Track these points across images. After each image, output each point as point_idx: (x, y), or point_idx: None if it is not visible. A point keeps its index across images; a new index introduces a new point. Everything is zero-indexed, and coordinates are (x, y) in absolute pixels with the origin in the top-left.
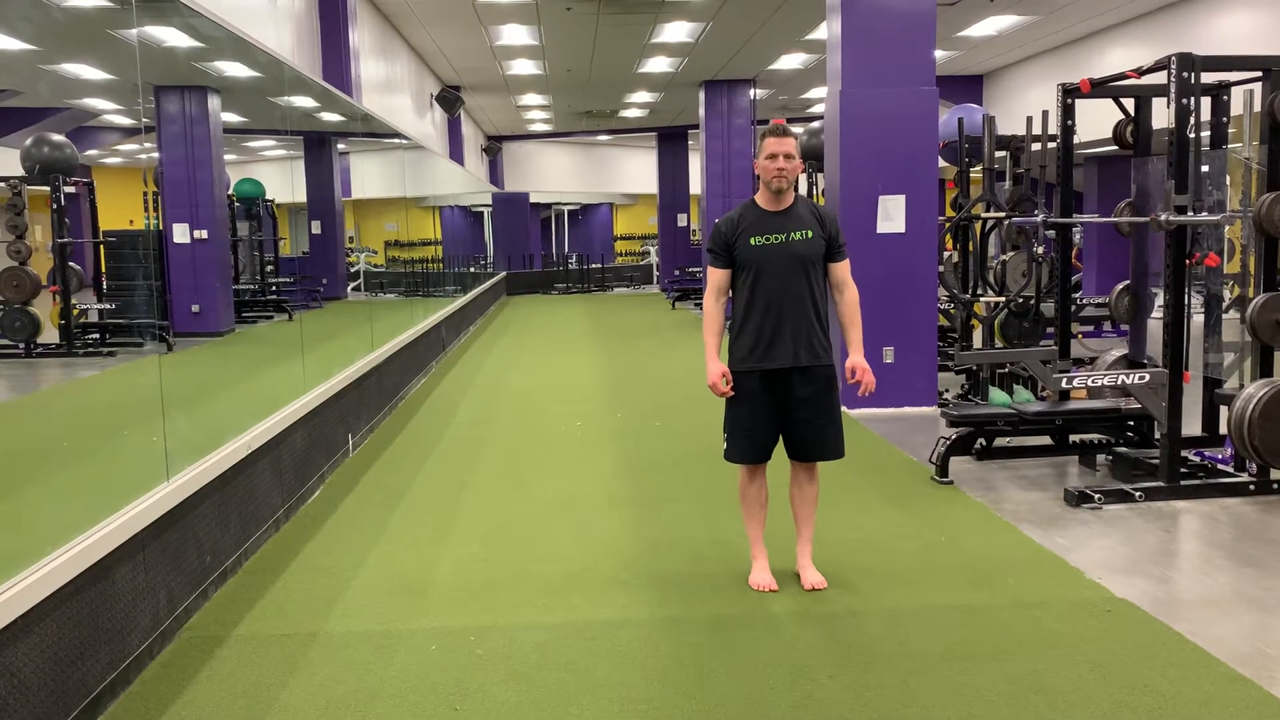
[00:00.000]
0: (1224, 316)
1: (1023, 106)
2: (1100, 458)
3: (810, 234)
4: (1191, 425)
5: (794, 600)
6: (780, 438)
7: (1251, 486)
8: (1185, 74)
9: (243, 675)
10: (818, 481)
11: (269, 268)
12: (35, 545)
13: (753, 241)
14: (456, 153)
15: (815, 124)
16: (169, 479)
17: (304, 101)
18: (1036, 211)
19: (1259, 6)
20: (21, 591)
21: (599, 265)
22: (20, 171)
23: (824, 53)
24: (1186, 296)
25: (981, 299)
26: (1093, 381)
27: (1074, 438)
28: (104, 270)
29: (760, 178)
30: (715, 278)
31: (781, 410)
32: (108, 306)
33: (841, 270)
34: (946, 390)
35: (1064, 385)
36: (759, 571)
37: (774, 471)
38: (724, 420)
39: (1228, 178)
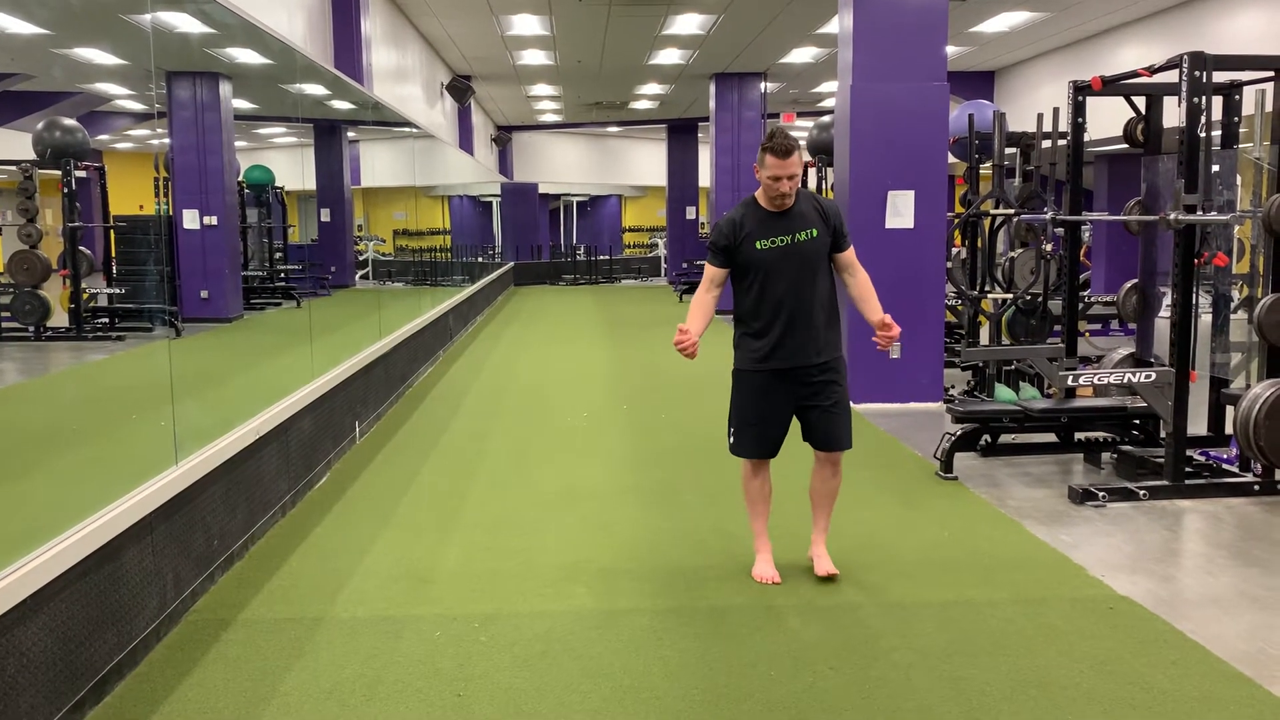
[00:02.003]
0: (1232, 316)
1: (1034, 103)
2: (1105, 456)
3: (815, 232)
4: (1197, 425)
5: (797, 592)
6: (785, 436)
7: (1256, 487)
8: (1197, 73)
9: (249, 659)
10: (840, 475)
11: (278, 255)
12: (44, 527)
13: (759, 246)
14: (466, 142)
15: (825, 118)
16: (177, 463)
17: (315, 89)
18: (1046, 209)
19: (1272, 6)
20: (30, 572)
21: (607, 257)
22: (32, 155)
23: (835, 47)
24: (1194, 296)
25: (989, 295)
26: (1099, 379)
27: (1079, 435)
28: (114, 255)
29: (762, 187)
30: (712, 273)
31: (794, 401)
32: (117, 291)
33: (848, 256)
34: (953, 386)
35: (1070, 383)
36: (762, 564)
37: (777, 464)
38: (729, 413)
39: (1238, 177)
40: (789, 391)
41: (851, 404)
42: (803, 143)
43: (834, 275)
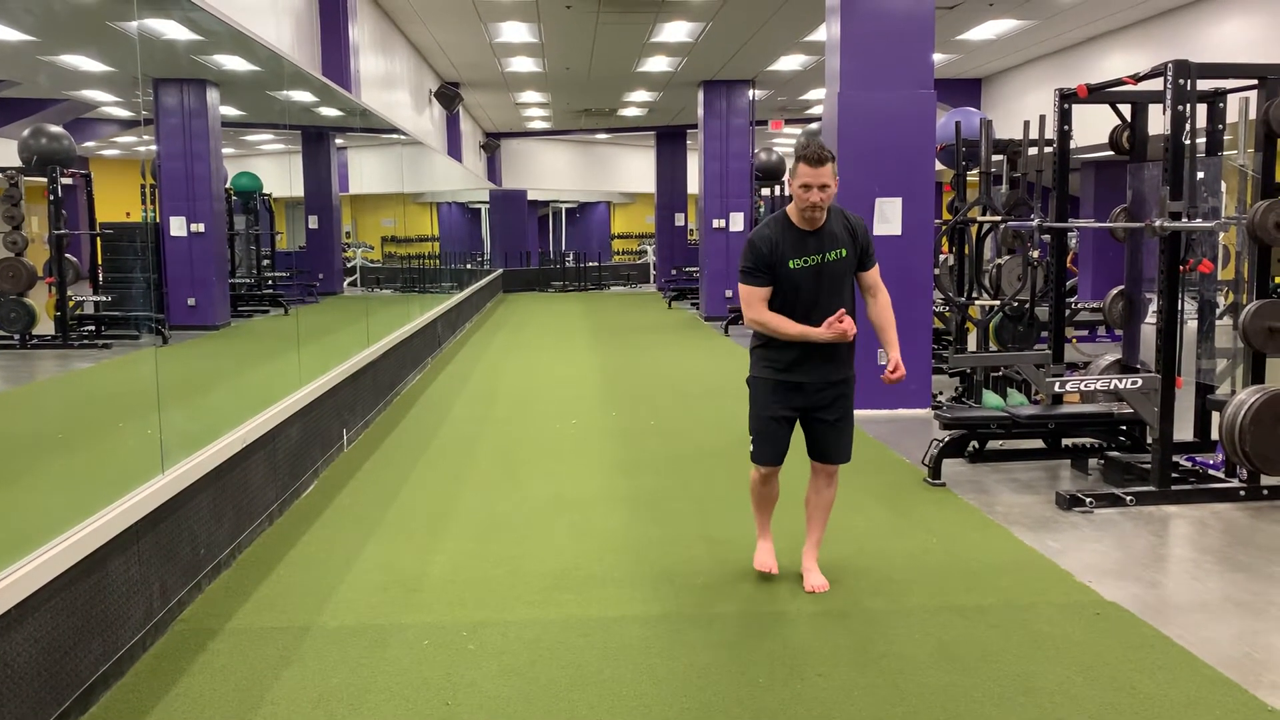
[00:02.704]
0: (1217, 323)
1: (1020, 111)
2: (1092, 462)
3: (844, 252)
4: (1183, 430)
5: (786, 599)
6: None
7: (1242, 492)
8: (1181, 81)
9: (236, 668)
10: (836, 487)
11: (265, 262)
12: (29, 537)
13: (791, 265)
14: (455, 149)
15: (813, 125)
16: (164, 472)
17: (303, 96)
18: (1032, 215)
19: (1256, 15)
20: (15, 582)
21: (596, 264)
22: (17, 162)
23: (823, 54)
24: (1180, 302)
25: (976, 302)
26: (1086, 385)
27: (1066, 441)
28: (100, 262)
29: (794, 200)
30: (762, 293)
31: (801, 409)
32: (104, 299)
33: (873, 275)
34: (940, 393)
35: (1057, 389)
36: (763, 553)
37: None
38: (749, 422)
39: (1223, 184)
40: (799, 400)
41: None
42: (789, 150)
43: (856, 293)
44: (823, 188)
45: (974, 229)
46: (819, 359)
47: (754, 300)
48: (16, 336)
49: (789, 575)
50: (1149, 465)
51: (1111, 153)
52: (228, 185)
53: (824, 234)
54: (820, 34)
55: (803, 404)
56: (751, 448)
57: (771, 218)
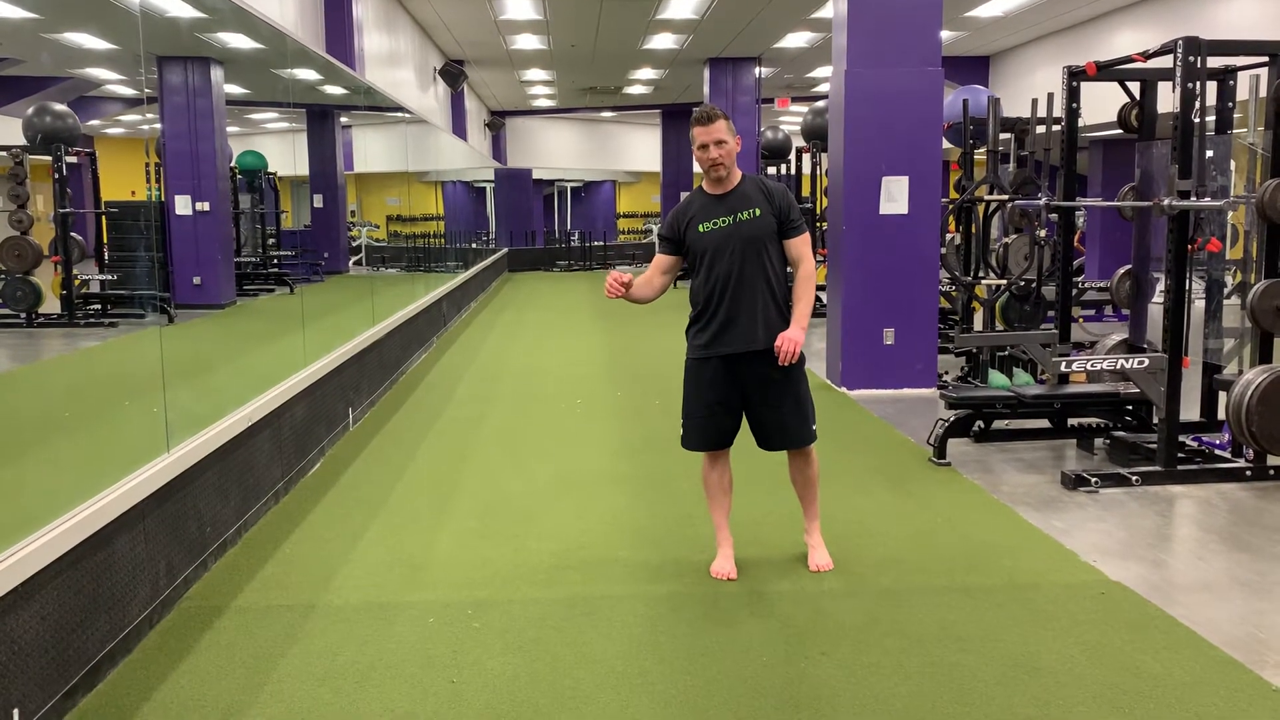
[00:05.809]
0: (1225, 302)
1: (1029, 88)
2: (1098, 441)
3: (758, 211)
4: (1190, 410)
5: (789, 579)
6: (737, 427)
7: (1248, 472)
8: (1191, 58)
9: (242, 645)
10: (814, 463)
11: (270, 241)
12: (35, 515)
13: (701, 229)
14: (459, 127)
15: (820, 103)
16: (169, 450)
17: (307, 74)
18: (1040, 194)
19: None
20: (21, 560)
21: (601, 243)
22: (22, 141)
23: (830, 31)
24: (1188, 282)
25: (983, 281)
26: (1092, 365)
27: (1072, 421)
28: (106, 241)
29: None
30: (656, 260)
31: (741, 396)
32: (109, 277)
33: (797, 245)
34: (946, 372)
35: (1063, 369)
36: (721, 560)
37: (759, 457)
38: (681, 405)
39: (1232, 163)
40: (735, 382)
41: (845, 390)
42: (796, 128)
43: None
44: (718, 143)
45: (981, 208)
46: (738, 326)
47: (651, 267)
48: (23, 315)
49: (792, 554)
50: (1155, 445)
51: (1120, 131)
52: (232, 164)
53: (735, 195)
54: (827, 10)
55: (738, 385)
56: (681, 432)
57: (692, 191)
